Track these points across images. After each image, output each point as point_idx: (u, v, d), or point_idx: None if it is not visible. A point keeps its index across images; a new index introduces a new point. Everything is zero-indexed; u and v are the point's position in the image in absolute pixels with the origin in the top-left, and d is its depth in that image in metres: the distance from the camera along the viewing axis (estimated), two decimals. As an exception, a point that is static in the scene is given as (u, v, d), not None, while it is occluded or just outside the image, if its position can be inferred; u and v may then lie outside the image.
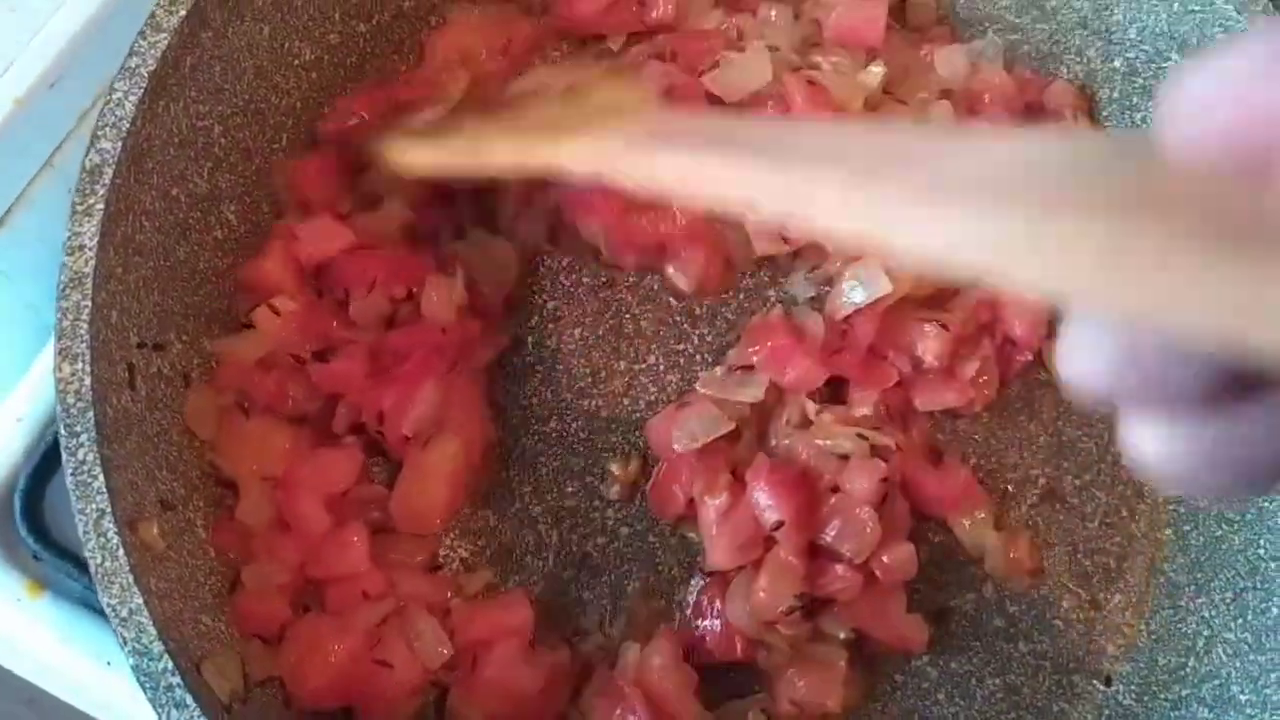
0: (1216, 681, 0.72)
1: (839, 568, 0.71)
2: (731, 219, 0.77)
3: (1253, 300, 0.22)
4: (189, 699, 0.53)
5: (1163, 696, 0.74)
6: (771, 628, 0.70)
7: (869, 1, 0.84)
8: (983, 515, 0.77)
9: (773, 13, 0.84)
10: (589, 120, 0.59)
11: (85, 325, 0.58)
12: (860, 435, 0.73)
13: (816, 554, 0.71)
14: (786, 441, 0.74)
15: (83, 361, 0.57)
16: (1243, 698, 0.70)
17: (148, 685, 0.54)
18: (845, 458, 0.73)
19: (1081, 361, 0.27)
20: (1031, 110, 0.83)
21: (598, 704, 0.69)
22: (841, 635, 0.72)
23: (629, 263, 0.79)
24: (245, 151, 0.73)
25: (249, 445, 0.70)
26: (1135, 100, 0.81)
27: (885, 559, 0.72)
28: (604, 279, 0.80)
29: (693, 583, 0.74)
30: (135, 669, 0.54)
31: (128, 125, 0.61)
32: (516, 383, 0.77)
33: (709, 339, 0.79)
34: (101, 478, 0.56)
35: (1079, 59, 0.84)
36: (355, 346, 0.73)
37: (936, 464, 0.77)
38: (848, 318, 0.74)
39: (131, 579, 0.55)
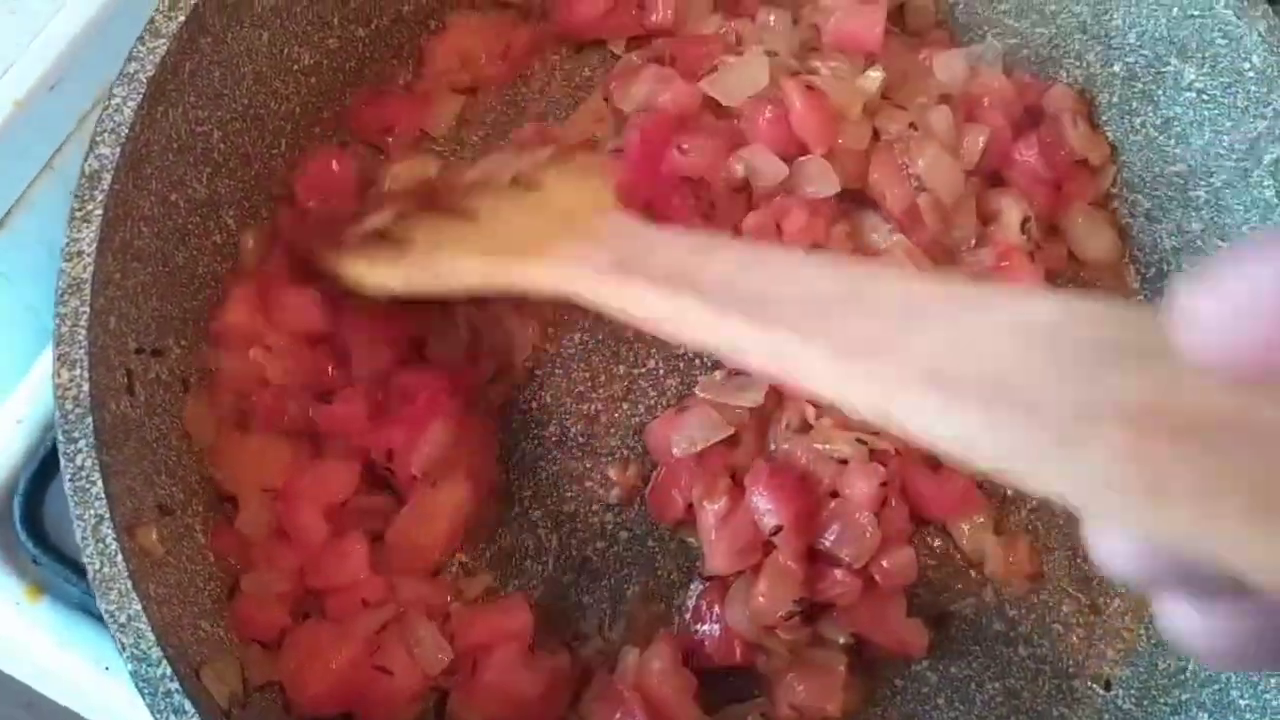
0: (1216, 686, 0.72)
1: (838, 572, 0.71)
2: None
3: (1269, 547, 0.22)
4: (187, 704, 0.53)
5: (1162, 701, 0.74)
6: (771, 632, 0.70)
7: (868, 6, 0.84)
8: (982, 520, 0.77)
9: (771, 17, 0.84)
10: (555, 234, 0.59)
11: (84, 331, 0.58)
12: (859, 440, 0.73)
13: (816, 558, 0.71)
14: (785, 446, 0.74)
15: (81, 367, 0.57)
16: (1242, 702, 0.70)
17: (146, 691, 0.54)
18: (844, 462, 0.73)
19: (1108, 550, 0.27)
20: (1031, 114, 0.84)
21: (597, 708, 0.69)
22: (841, 640, 0.72)
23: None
24: (244, 157, 0.73)
25: (248, 460, 0.69)
26: (1134, 104, 0.81)
27: (885, 563, 0.72)
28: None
29: (692, 587, 0.74)
30: (134, 674, 0.54)
31: (126, 131, 0.61)
32: (516, 387, 0.77)
33: (708, 343, 0.79)
34: (100, 483, 0.56)
35: (1078, 63, 0.84)
36: (356, 389, 0.72)
37: (936, 468, 0.77)
38: (846, 321, 0.74)
39: (130, 584, 0.55)
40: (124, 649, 0.54)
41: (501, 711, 0.68)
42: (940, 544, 0.77)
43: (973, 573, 0.77)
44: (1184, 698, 0.73)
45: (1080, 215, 0.85)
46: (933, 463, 0.78)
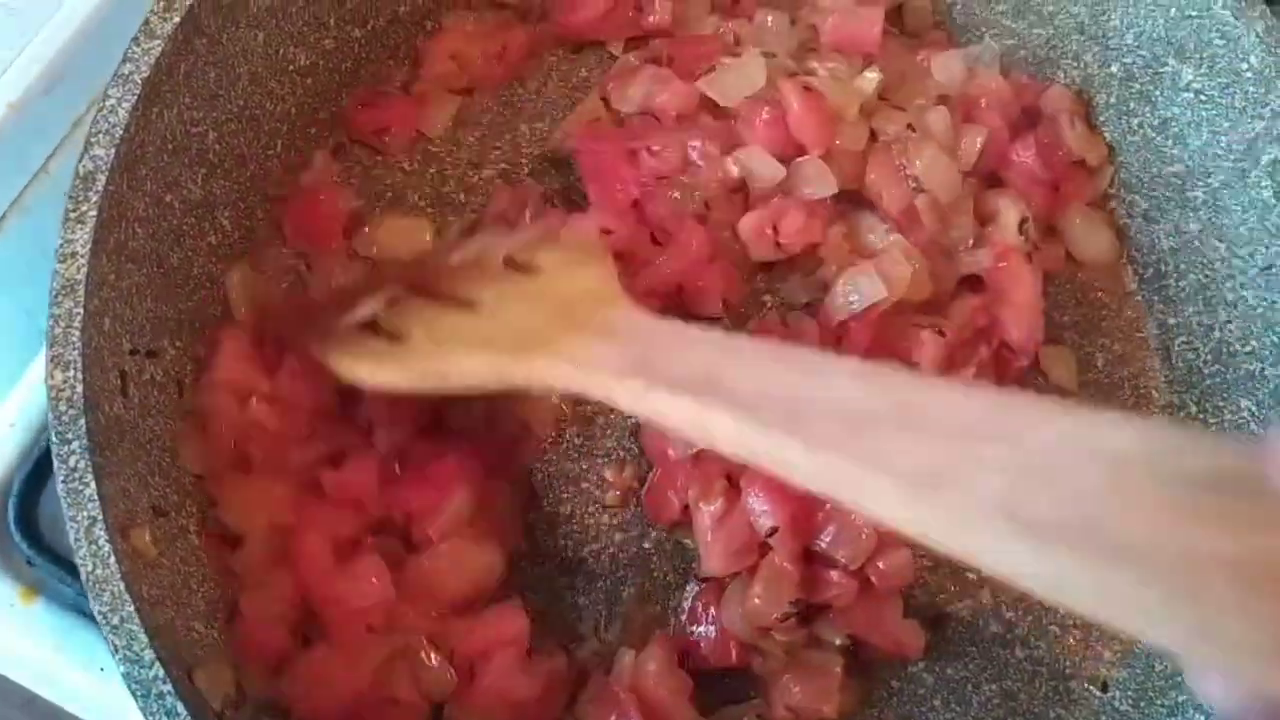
0: (1213, 688, 0.72)
1: (834, 574, 0.71)
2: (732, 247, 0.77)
3: None
4: (180, 707, 0.53)
5: (1159, 703, 0.74)
6: (767, 634, 0.70)
7: (865, 7, 0.84)
8: (979, 521, 0.77)
9: (769, 18, 0.84)
10: (563, 328, 0.56)
11: (77, 333, 0.57)
12: (856, 441, 0.73)
13: (812, 560, 0.71)
14: (782, 447, 0.74)
15: (75, 369, 0.57)
16: (1239, 705, 0.70)
17: (139, 693, 0.53)
18: (841, 463, 0.73)
19: (1213, 695, 0.27)
20: (1028, 115, 0.83)
21: (592, 709, 0.69)
22: (837, 641, 0.72)
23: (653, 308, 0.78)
24: (240, 158, 0.73)
25: (250, 500, 0.67)
26: (1132, 105, 0.81)
27: (881, 565, 0.72)
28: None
29: (688, 588, 0.73)
30: (126, 677, 0.54)
31: (121, 132, 0.61)
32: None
33: (705, 344, 0.79)
34: (93, 485, 0.55)
35: (1076, 64, 0.84)
36: (369, 454, 0.70)
37: (933, 469, 0.77)
38: (843, 323, 0.74)
39: (123, 586, 0.54)
40: (116, 651, 0.54)
41: (499, 716, 0.68)
42: (937, 545, 0.77)
43: (970, 574, 0.77)
44: (1181, 699, 0.73)
45: (1078, 216, 0.85)
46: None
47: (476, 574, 0.70)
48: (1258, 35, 0.71)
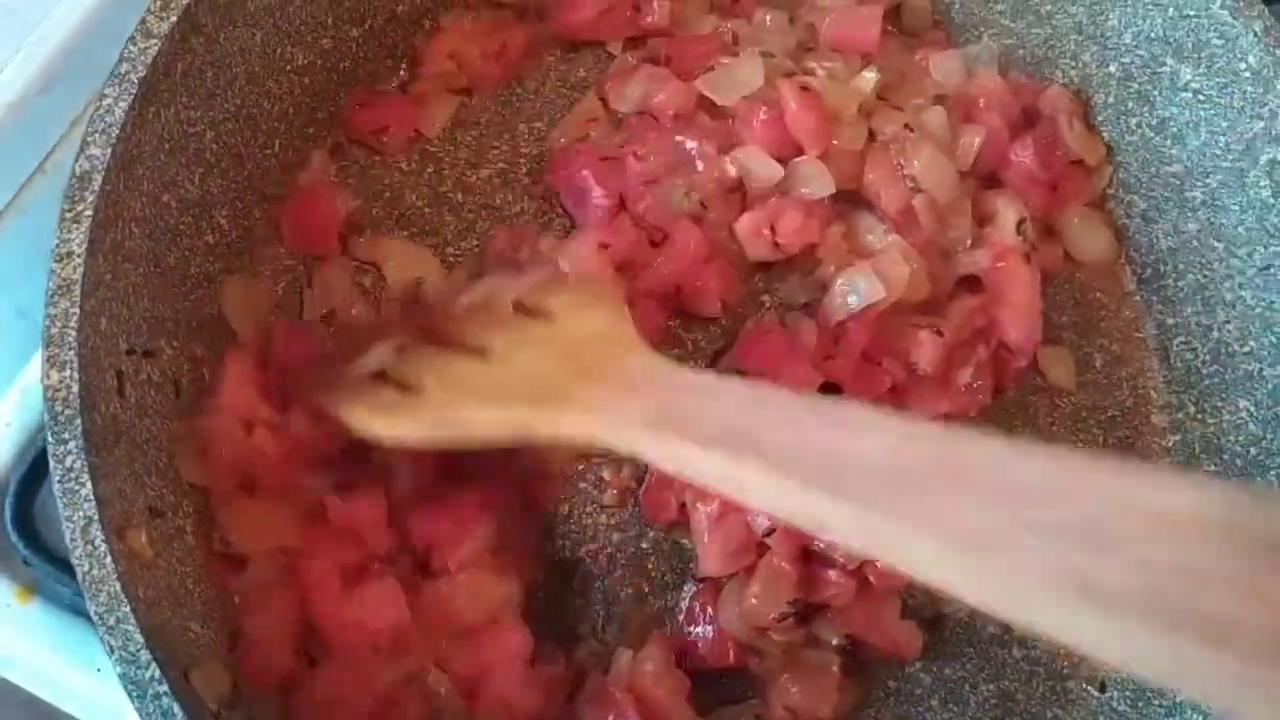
0: (1211, 689, 0.72)
1: (832, 574, 0.71)
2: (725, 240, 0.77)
3: None
4: (176, 707, 0.53)
5: (1157, 703, 0.74)
6: (764, 634, 0.70)
7: (864, 6, 0.84)
8: (977, 522, 0.77)
9: (768, 18, 0.84)
10: (580, 377, 0.55)
11: (73, 333, 0.57)
12: (853, 441, 0.73)
13: (809, 560, 0.71)
14: (780, 447, 0.74)
15: (71, 369, 0.57)
16: (1237, 705, 0.70)
17: (135, 693, 0.53)
18: (838, 464, 0.72)
19: None
20: (1027, 115, 0.83)
21: (590, 710, 0.69)
22: (835, 641, 0.72)
23: (654, 318, 0.77)
24: (237, 157, 0.73)
25: (254, 522, 0.67)
26: (1131, 105, 0.81)
27: (878, 565, 0.72)
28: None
29: (685, 589, 0.73)
30: (122, 677, 0.54)
31: (117, 131, 0.61)
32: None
33: (703, 344, 0.79)
34: (89, 485, 0.55)
35: (1074, 64, 0.84)
36: (380, 487, 0.68)
37: (930, 470, 0.77)
38: (841, 323, 0.74)
39: (119, 587, 0.54)
40: (112, 651, 0.54)
41: None
42: (935, 546, 0.77)
43: (967, 575, 0.77)
44: (1178, 700, 0.73)
45: (1076, 216, 0.85)
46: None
47: (493, 605, 0.69)
48: (1256, 35, 0.71)
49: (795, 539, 0.71)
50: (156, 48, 0.63)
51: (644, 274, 0.74)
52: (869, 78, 0.79)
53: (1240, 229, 0.76)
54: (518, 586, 0.70)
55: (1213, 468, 0.78)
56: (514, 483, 0.72)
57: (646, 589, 0.74)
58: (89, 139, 0.61)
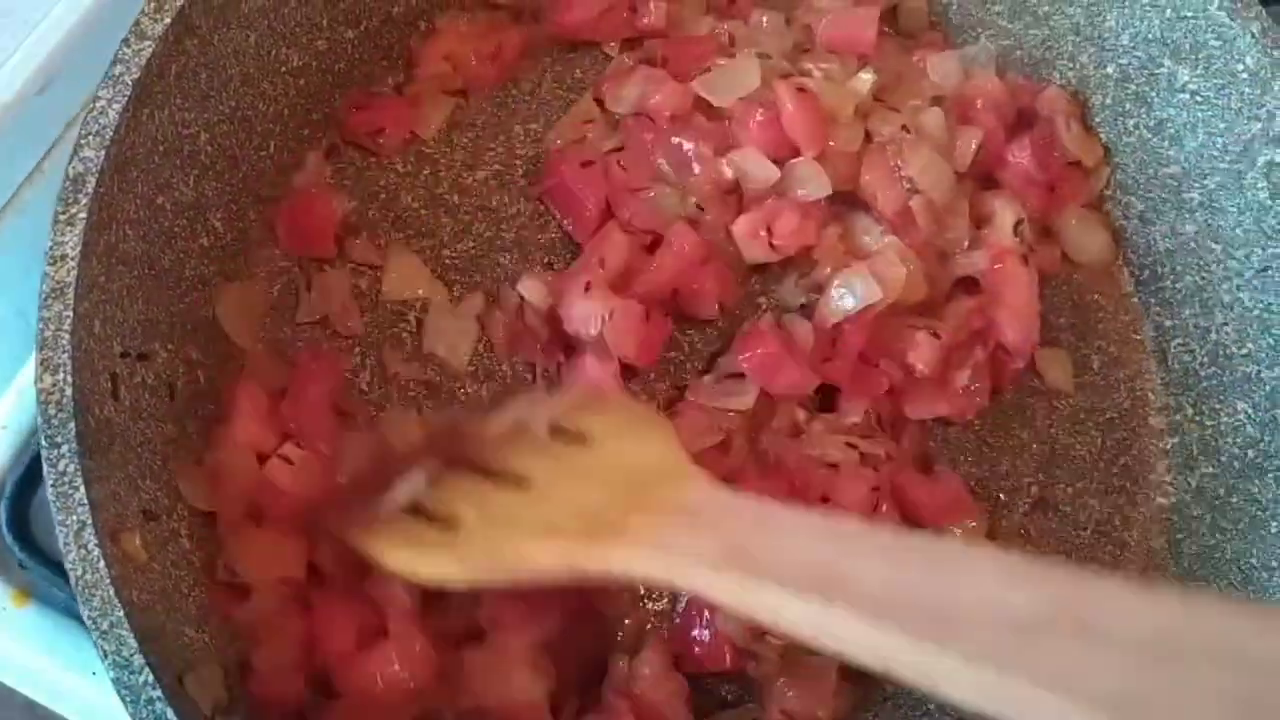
0: (1209, 692, 0.72)
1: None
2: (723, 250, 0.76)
3: None
4: (169, 713, 0.53)
5: (1155, 707, 0.74)
6: (762, 637, 0.69)
7: (861, 7, 0.84)
8: (974, 525, 0.77)
9: (764, 19, 0.84)
10: (634, 507, 0.52)
11: (67, 336, 0.57)
12: (850, 444, 0.73)
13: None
14: (776, 450, 0.73)
15: (64, 372, 0.57)
16: (1235, 708, 0.69)
17: (128, 698, 0.53)
18: (835, 467, 0.72)
19: None
20: (1024, 116, 0.83)
21: (589, 714, 0.69)
22: (832, 645, 0.71)
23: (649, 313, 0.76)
24: (232, 159, 0.73)
25: (261, 553, 0.66)
26: (1128, 106, 0.81)
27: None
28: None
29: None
30: (116, 682, 0.53)
31: (111, 134, 0.60)
32: (506, 391, 0.77)
33: (699, 346, 0.79)
34: (82, 489, 0.55)
35: (1071, 65, 0.84)
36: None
37: (927, 473, 0.77)
38: (838, 325, 0.74)
39: (112, 591, 0.54)
40: (106, 656, 0.54)
41: None
42: (932, 548, 0.77)
43: (965, 577, 0.77)
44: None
45: (1074, 217, 0.84)
46: (924, 467, 0.77)
47: (520, 700, 0.66)
48: (1253, 36, 0.71)
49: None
50: (150, 49, 0.63)
51: (639, 278, 0.74)
52: (866, 79, 0.79)
53: (1238, 231, 0.75)
54: (546, 689, 0.67)
55: (1211, 470, 0.78)
56: (572, 599, 0.69)
57: (644, 591, 0.74)
58: (82, 141, 0.60)
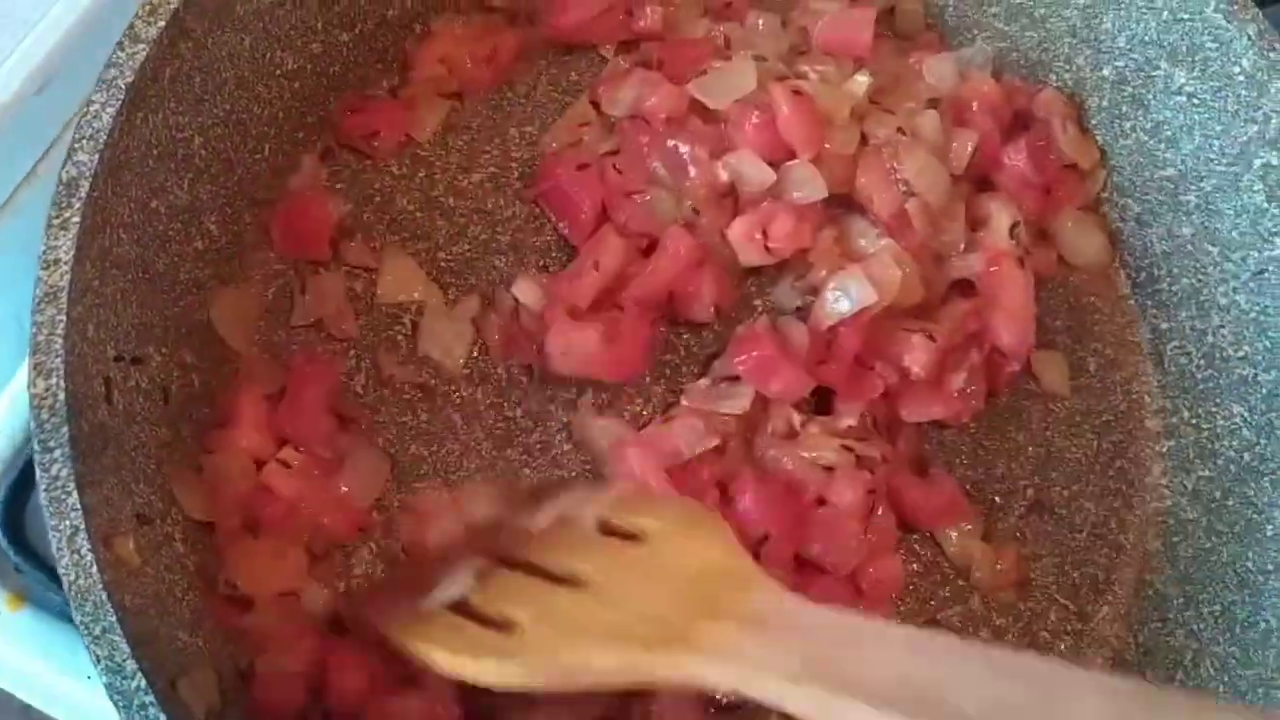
0: (1205, 696, 0.72)
1: (825, 580, 0.71)
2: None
3: None
4: (162, 718, 0.53)
5: (1150, 710, 0.74)
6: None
7: (857, 10, 0.84)
8: (969, 527, 0.77)
9: (760, 21, 0.84)
10: (700, 611, 0.50)
11: (60, 340, 0.57)
12: (845, 447, 0.72)
13: (802, 566, 0.71)
14: (772, 453, 0.73)
15: (57, 377, 0.57)
16: (1230, 712, 0.69)
17: (121, 704, 0.53)
18: (830, 469, 0.72)
19: None
20: (1020, 118, 0.83)
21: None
22: (827, 648, 0.71)
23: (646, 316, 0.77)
24: (227, 162, 0.73)
25: (259, 564, 0.66)
26: (1124, 109, 0.81)
27: (871, 572, 0.72)
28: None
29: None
30: (108, 687, 0.53)
31: (105, 137, 0.60)
32: (501, 394, 0.77)
33: (695, 349, 0.79)
34: (75, 494, 0.55)
35: (1068, 67, 0.84)
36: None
37: (923, 475, 0.77)
38: (833, 328, 0.74)
39: (105, 596, 0.54)
40: (98, 661, 0.54)
41: None
42: (927, 552, 0.77)
43: (960, 581, 0.77)
44: (1172, 707, 0.72)
45: (1070, 220, 0.84)
46: (920, 470, 0.77)
47: None
48: (1250, 38, 0.71)
49: (789, 545, 0.70)
50: (144, 53, 0.63)
51: (635, 281, 0.74)
52: (861, 81, 0.78)
53: (1234, 233, 0.75)
54: None
55: (1207, 473, 0.78)
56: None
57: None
58: (76, 145, 0.60)
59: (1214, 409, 0.79)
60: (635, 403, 0.77)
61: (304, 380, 0.73)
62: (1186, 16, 0.74)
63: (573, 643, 0.52)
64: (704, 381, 0.75)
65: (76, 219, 0.59)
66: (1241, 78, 0.72)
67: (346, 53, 0.80)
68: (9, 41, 0.79)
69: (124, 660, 0.54)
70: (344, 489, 0.70)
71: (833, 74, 0.79)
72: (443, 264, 0.79)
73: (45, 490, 0.55)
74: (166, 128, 0.67)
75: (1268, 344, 0.74)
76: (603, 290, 0.74)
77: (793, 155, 0.76)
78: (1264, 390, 0.75)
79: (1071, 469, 0.80)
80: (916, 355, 0.75)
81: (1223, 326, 0.77)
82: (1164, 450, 0.81)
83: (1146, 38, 0.77)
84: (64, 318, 0.58)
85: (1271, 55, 0.70)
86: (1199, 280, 0.79)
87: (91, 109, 0.61)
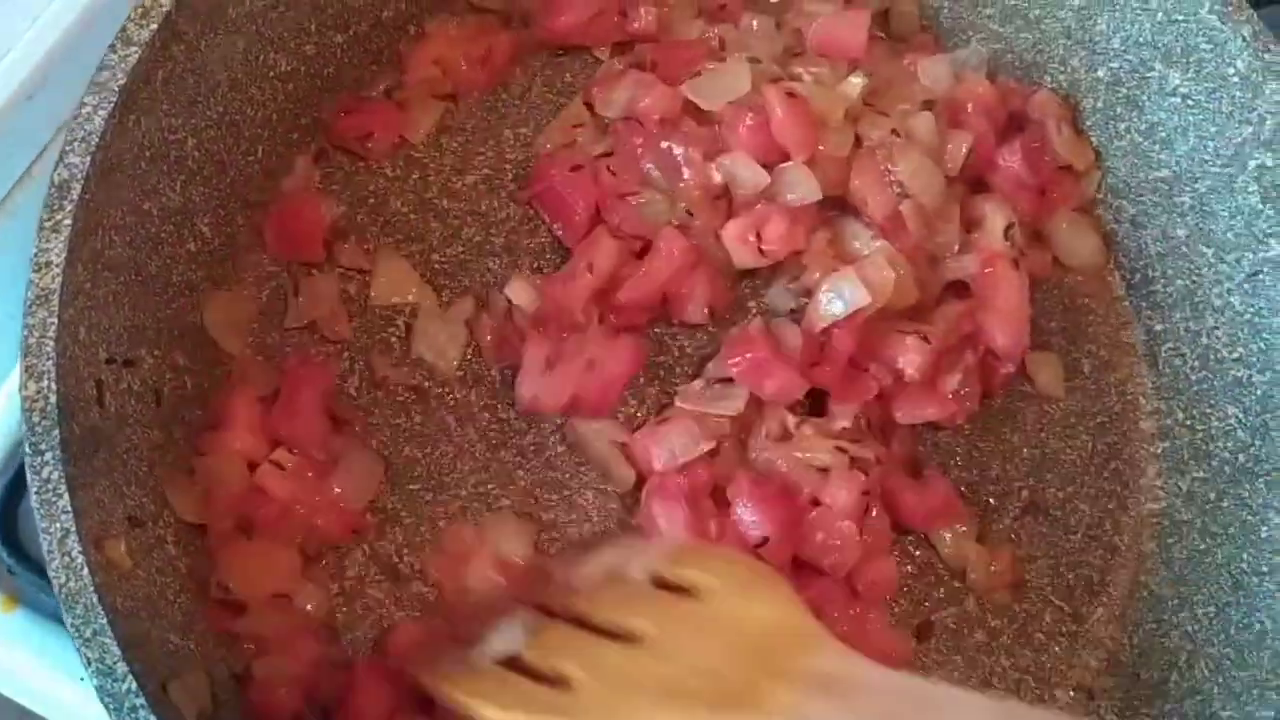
0: (1199, 697, 0.71)
1: (820, 582, 0.71)
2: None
3: None
4: (153, 720, 0.53)
5: (1145, 712, 0.74)
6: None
7: (851, 11, 0.84)
8: (964, 529, 0.77)
9: (755, 23, 0.84)
10: (765, 672, 0.49)
11: (51, 343, 0.57)
12: (839, 448, 0.72)
13: (797, 567, 0.71)
14: (766, 455, 0.73)
15: (48, 379, 0.57)
16: (1225, 714, 0.69)
17: (111, 706, 0.53)
18: (825, 471, 0.72)
19: None
20: (1015, 119, 0.83)
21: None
22: (822, 650, 0.71)
23: (643, 323, 0.78)
24: (220, 164, 0.73)
25: (253, 567, 0.66)
26: (1119, 110, 0.81)
27: (866, 573, 0.72)
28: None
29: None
30: (99, 690, 0.53)
31: (97, 140, 0.60)
32: (495, 396, 0.76)
33: (689, 350, 0.79)
34: (66, 497, 0.55)
35: (1062, 68, 0.84)
36: None
37: (917, 477, 0.77)
38: (827, 329, 0.74)
39: (96, 599, 0.54)
40: (89, 664, 0.54)
41: None
42: (922, 553, 0.77)
43: (955, 582, 0.77)
44: (1166, 708, 0.73)
45: (1065, 221, 0.84)
46: (914, 471, 0.77)
47: None
48: (1244, 39, 0.71)
49: (786, 547, 0.70)
50: (136, 55, 0.63)
51: (629, 282, 0.74)
52: (856, 83, 0.78)
53: (1229, 234, 0.75)
54: None
55: (1201, 474, 0.78)
56: None
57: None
58: (68, 147, 0.60)
59: (1208, 410, 0.78)
60: (629, 404, 0.77)
61: (298, 382, 0.73)
62: (1181, 18, 0.74)
63: (630, 700, 0.51)
64: (698, 383, 0.75)
65: (68, 221, 0.59)
66: (1236, 79, 0.72)
67: (340, 54, 0.80)
68: (3, 44, 0.79)
69: (115, 663, 0.53)
70: (337, 491, 0.70)
71: (827, 76, 0.79)
72: (436, 266, 0.79)
73: (36, 493, 0.55)
74: (159, 130, 0.67)
75: (1262, 345, 0.74)
76: (596, 292, 0.74)
77: (787, 157, 0.76)
78: (1258, 392, 0.75)
79: (1066, 470, 0.80)
80: (911, 357, 0.75)
81: (1217, 328, 0.77)
82: (1158, 452, 0.81)
83: (1141, 39, 0.77)
84: (55, 320, 0.58)
85: (1266, 56, 0.70)
86: (1193, 282, 0.79)
87: (84, 111, 0.61)
